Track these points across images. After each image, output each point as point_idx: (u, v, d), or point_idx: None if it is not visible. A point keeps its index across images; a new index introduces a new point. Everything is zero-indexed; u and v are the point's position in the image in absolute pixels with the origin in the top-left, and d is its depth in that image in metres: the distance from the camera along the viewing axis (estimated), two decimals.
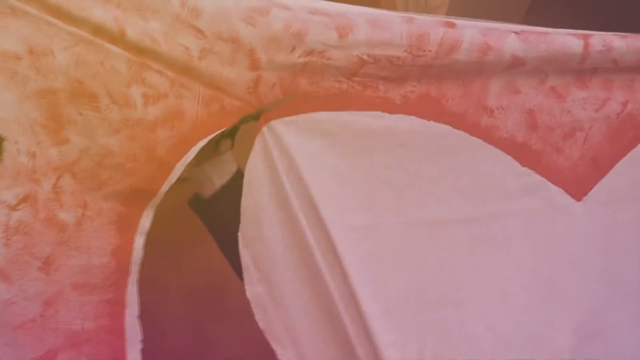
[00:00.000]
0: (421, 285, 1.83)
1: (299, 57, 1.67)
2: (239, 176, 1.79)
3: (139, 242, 1.66)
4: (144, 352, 1.71)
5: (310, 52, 1.67)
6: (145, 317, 1.69)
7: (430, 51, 1.73)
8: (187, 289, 2.36)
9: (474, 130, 1.83)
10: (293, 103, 1.72)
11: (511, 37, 1.78)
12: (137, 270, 1.68)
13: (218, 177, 1.82)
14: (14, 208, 1.54)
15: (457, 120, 1.82)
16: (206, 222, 1.89)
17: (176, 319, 2.01)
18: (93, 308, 1.65)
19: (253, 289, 1.77)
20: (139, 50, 1.57)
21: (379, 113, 1.78)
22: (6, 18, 1.48)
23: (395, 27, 1.71)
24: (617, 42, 1.86)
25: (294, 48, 1.66)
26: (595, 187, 1.92)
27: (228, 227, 1.80)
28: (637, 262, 1.97)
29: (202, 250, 2.27)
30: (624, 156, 1.93)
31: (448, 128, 1.82)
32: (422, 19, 1.76)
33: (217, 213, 1.85)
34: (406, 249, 1.83)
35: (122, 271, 1.66)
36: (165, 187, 1.65)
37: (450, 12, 3.19)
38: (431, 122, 1.81)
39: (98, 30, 1.54)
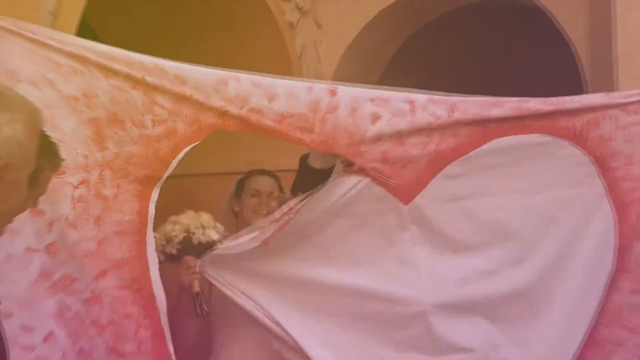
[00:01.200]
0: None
1: (245, 112, 2.60)
2: (327, 173, 3.06)
3: (152, 207, 2.62)
4: None
5: (252, 110, 2.61)
6: None
7: (321, 110, 2.68)
8: None
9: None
10: None
11: (368, 102, 2.74)
12: (151, 223, 2.63)
13: (325, 163, 3.08)
14: (76, 187, 2.49)
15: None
16: (299, 175, 3.21)
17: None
18: (128, 246, 2.60)
19: None
20: (151, 89, 2.51)
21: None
22: (70, 75, 2.43)
23: (301, 95, 2.67)
24: (432, 102, 2.79)
25: (242, 107, 2.60)
26: (418, 195, 2.90)
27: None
28: (452, 245, 2.96)
29: None
30: (435, 176, 2.90)
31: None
32: (317, 87, 2.71)
33: (308, 177, 3.08)
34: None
35: (143, 223, 2.62)
36: (165, 175, 2.59)
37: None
38: None
39: (127, 78, 2.48)
